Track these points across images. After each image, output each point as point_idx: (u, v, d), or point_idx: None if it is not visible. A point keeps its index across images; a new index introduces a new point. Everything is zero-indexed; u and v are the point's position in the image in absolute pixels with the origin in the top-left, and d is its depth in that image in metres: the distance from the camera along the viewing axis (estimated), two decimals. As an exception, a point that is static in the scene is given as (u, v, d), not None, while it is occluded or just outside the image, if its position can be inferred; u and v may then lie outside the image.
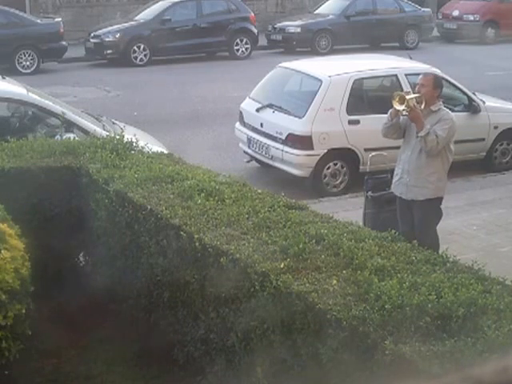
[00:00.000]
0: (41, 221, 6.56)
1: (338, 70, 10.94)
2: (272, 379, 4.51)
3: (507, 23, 25.48)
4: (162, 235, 5.47)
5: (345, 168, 10.51)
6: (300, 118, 10.32)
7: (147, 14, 22.29)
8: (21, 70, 19.46)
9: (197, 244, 5.02)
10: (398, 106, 6.81)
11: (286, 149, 10.33)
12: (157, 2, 22.83)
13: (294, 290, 4.24)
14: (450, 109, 7.41)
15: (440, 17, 27.12)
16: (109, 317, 6.23)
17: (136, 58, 21.27)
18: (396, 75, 10.81)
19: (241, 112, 11.46)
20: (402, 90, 10.66)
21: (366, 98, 10.99)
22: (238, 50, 22.67)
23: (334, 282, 4.25)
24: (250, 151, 11.17)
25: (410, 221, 7.10)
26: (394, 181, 7.28)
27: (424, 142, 6.82)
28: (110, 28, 22.00)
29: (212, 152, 11.88)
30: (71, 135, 8.43)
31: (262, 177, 11.07)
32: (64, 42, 20.54)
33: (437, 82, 7.11)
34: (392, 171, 7.47)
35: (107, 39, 21.34)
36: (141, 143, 7.27)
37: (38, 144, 7.08)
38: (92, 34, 21.70)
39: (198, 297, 5.20)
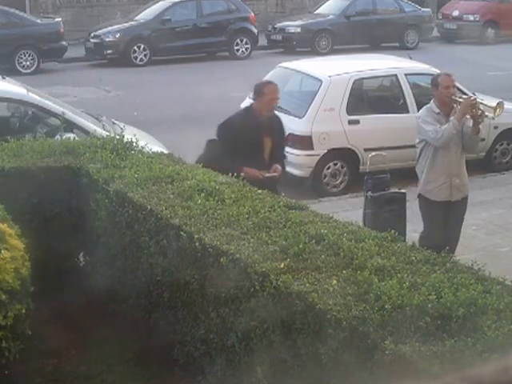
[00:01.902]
0: (41, 221, 6.56)
1: (338, 69, 10.95)
2: (272, 379, 4.51)
3: (507, 23, 25.47)
4: (162, 235, 5.47)
5: (345, 168, 10.51)
6: (300, 118, 10.32)
7: (147, 13, 22.30)
8: (21, 69, 19.47)
9: (197, 244, 5.02)
10: (498, 113, 7.22)
11: (286, 149, 10.31)
12: (157, 1, 22.84)
13: (294, 290, 4.24)
14: (433, 110, 7.41)
15: (440, 17, 27.13)
16: (109, 317, 6.23)
17: (136, 58, 21.27)
18: (396, 75, 10.82)
19: (241, 112, 11.45)
20: (401, 90, 10.74)
21: (365, 97, 11.00)
22: (238, 50, 22.67)
23: (334, 282, 4.25)
24: (250, 151, 11.16)
25: (443, 223, 7.18)
26: (430, 188, 7.16)
27: (477, 142, 7.22)
28: (110, 28, 22.01)
29: (212, 152, 11.86)
30: (71, 135, 8.44)
31: (262, 177, 11.05)
32: (64, 42, 20.55)
33: None
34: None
35: (107, 39, 21.35)
36: (141, 143, 7.27)
37: (38, 144, 7.07)
38: (92, 34, 21.71)
39: (198, 297, 5.19)
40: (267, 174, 6.99)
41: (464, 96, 7.57)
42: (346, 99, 10.33)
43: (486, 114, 7.01)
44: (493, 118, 7.42)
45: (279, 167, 7.20)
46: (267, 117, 7.11)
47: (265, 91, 7.10)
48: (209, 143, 7.30)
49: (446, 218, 7.18)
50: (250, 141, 6.85)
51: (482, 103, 7.13)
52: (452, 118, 6.93)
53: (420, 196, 7.31)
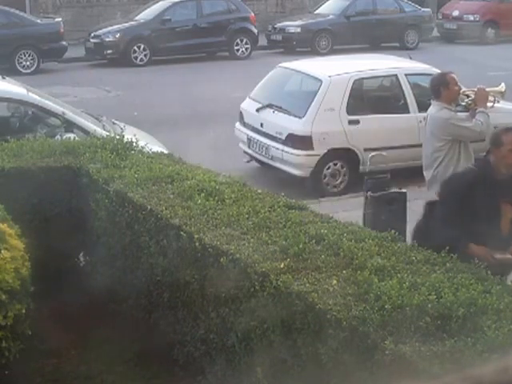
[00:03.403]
0: (41, 221, 6.56)
1: (338, 69, 10.95)
2: (272, 379, 4.51)
3: (507, 23, 25.47)
4: (162, 235, 5.47)
5: (345, 168, 10.51)
6: (300, 118, 10.32)
7: (147, 13, 22.30)
8: (21, 69, 19.46)
9: (197, 244, 5.02)
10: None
11: (286, 149, 10.33)
12: (157, 1, 22.84)
13: (294, 290, 4.24)
14: (451, 109, 7.45)
15: (440, 17, 27.12)
16: (109, 317, 6.23)
17: (136, 57, 21.27)
18: (396, 75, 10.81)
19: (241, 112, 11.47)
20: (401, 90, 10.74)
21: (366, 98, 10.99)
22: (238, 50, 22.67)
23: (334, 282, 4.25)
24: (250, 151, 11.17)
25: None
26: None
27: None
28: (110, 28, 22.01)
29: (212, 152, 11.86)
30: (71, 135, 8.44)
31: (261, 177, 11.06)
32: (64, 42, 20.55)
33: None
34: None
35: (107, 39, 21.34)
36: (141, 143, 7.27)
37: (38, 144, 7.08)
38: (92, 34, 21.71)
39: (198, 297, 5.20)
40: (499, 256, 5.14)
41: (471, 89, 7.69)
42: (346, 99, 10.33)
43: (497, 99, 7.44)
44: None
45: None
46: (508, 175, 5.41)
47: (502, 140, 5.44)
48: (428, 207, 5.88)
49: None
50: (481, 206, 5.23)
51: (490, 90, 7.48)
52: (481, 109, 7.14)
53: None
